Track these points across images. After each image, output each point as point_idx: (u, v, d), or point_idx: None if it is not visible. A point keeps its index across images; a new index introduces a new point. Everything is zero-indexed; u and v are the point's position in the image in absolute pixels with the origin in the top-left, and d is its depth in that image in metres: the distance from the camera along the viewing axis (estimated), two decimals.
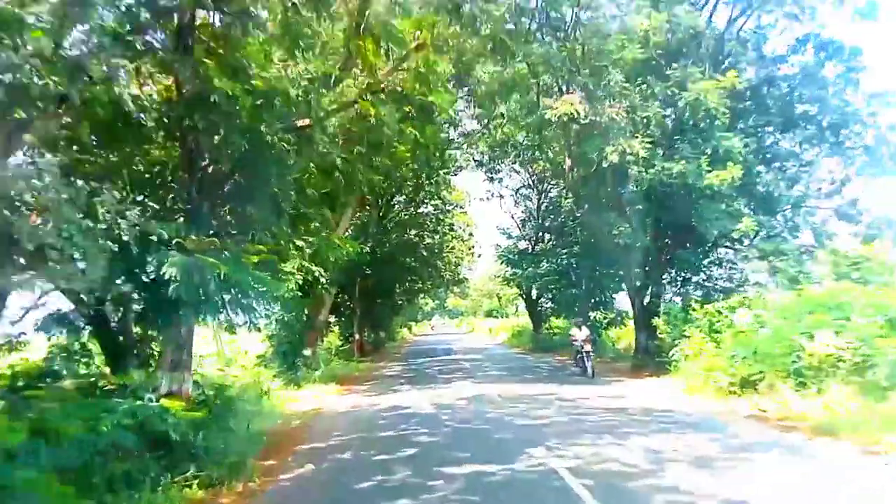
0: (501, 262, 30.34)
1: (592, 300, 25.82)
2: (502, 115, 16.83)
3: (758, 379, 10.41)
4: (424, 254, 32.54)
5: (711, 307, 13.37)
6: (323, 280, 15.66)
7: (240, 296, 7.06)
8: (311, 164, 9.07)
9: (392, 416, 10.23)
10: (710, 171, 13.26)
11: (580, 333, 16.74)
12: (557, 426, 8.41)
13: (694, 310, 13.45)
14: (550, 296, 31.19)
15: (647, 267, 17.43)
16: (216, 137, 7.54)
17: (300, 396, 13.84)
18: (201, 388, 8.31)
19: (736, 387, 10.76)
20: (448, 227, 37.70)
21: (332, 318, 29.22)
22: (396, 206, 32.93)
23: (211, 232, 7.82)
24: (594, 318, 26.10)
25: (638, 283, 17.62)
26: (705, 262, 17.24)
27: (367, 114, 8.34)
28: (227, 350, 16.58)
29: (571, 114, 12.68)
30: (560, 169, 26.29)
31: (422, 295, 48.37)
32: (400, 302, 39.10)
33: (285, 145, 8.07)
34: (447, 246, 38.81)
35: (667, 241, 16.47)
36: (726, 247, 16.46)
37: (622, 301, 27.00)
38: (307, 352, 16.74)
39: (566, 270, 25.21)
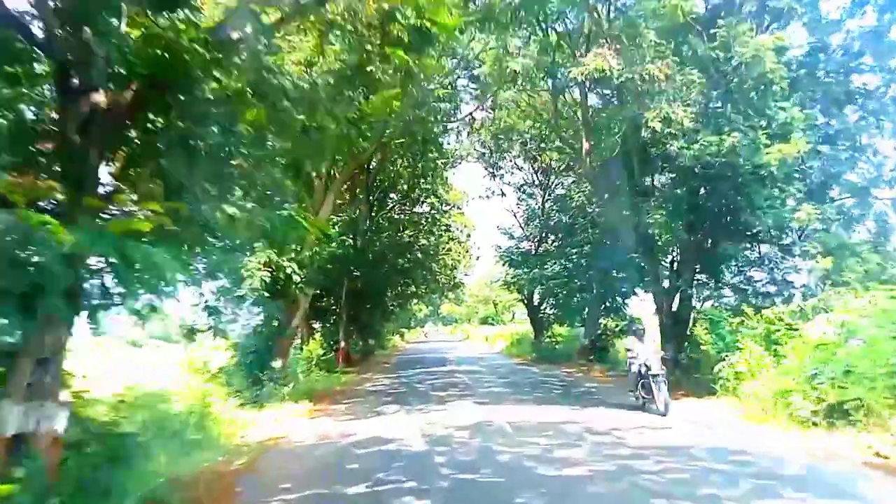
0: (503, 264, 27.79)
1: (603, 305, 23.33)
2: (515, 74, 14.23)
3: (853, 407, 7.92)
4: (419, 255, 29.95)
5: (771, 313, 10.88)
6: (297, 279, 13.08)
7: (122, 279, 4.48)
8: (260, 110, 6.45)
9: (369, 454, 7.62)
10: (768, 146, 10.82)
11: (642, 347, 10.93)
12: (603, 481, 5.80)
13: (749, 316, 10.94)
14: (554, 301, 28.73)
15: (676, 266, 14.96)
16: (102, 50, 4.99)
17: (261, 419, 11.22)
18: (86, 424, 5.69)
19: (820, 416, 8.26)
20: (444, 227, 35.24)
21: (317, 325, 26.61)
22: (390, 203, 30.45)
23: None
24: (604, 325, 23.65)
25: (666, 285, 15.13)
26: (747, 259, 14.73)
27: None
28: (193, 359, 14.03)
29: (603, 71, 10.21)
30: (571, 158, 24.02)
31: (415, 300, 45.71)
32: (392, 307, 36.44)
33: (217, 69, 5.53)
34: (443, 248, 36.27)
35: (702, 234, 13.96)
36: (772, 242, 13.96)
37: (631, 307, 24.66)
38: (277, 363, 14.08)
39: (575, 272, 22.70)
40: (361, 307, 29.07)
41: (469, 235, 38.16)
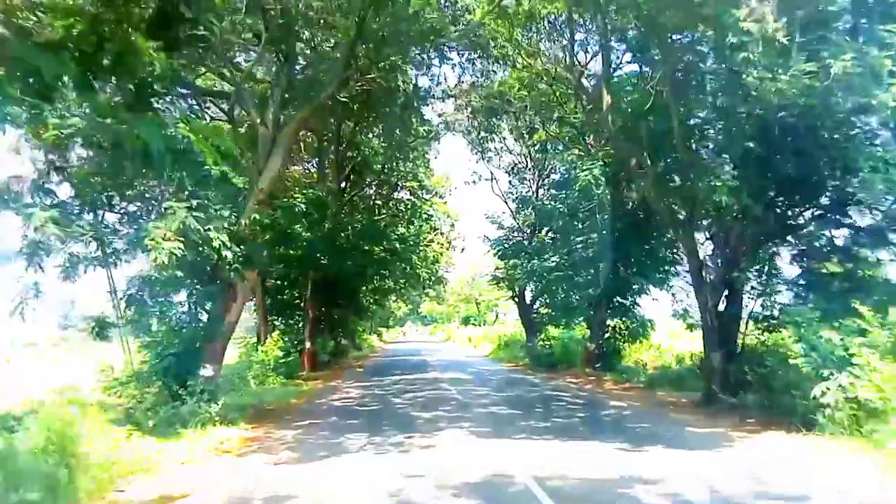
0: (494, 255, 24.44)
1: (611, 305, 20.11)
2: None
3: None
4: (397, 245, 26.39)
5: None
6: (230, 255, 9.50)
7: None
8: None
9: None
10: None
11: None
12: None
13: (869, 320, 7.71)
14: (549, 299, 25.55)
15: (727, 249, 11.78)
16: None
17: (167, 456, 7.68)
18: None
19: None
20: (425, 217, 31.81)
21: (280, 323, 22.95)
22: (362, 185, 26.88)
23: None
24: (613, 326, 20.50)
25: (711, 278, 11.96)
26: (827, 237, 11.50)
27: None
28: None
29: None
30: (577, 130, 20.85)
31: (393, 297, 42.13)
32: (367, 304, 32.87)
33: None
34: (424, 239, 32.85)
35: (773, 205, 10.70)
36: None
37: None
38: (206, 371, 10.49)
39: (579, 264, 19.44)
40: (332, 303, 25.48)
41: (452, 226, 34.94)
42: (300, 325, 22.15)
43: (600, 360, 19.59)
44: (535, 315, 27.19)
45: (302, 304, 22.13)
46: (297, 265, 20.32)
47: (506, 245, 23.91)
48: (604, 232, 18.20)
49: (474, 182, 30.06)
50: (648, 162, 12.35)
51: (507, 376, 19.10)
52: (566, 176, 22.22)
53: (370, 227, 23.37)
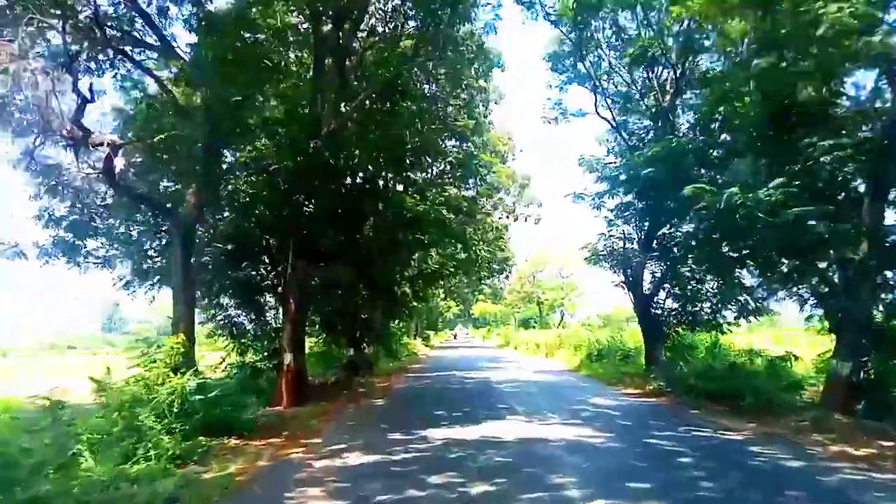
0: (618, 191, 14.71)
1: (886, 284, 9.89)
2: None
3: None
4: (444, 213, 16.75)
5: None
6: None
7: None
8: None
9: None
10: None
11: None
12: None
13: None
14: (689, 288, 15.83)
15: None
16: None
17: None
18: None
19: None
20: (483, 172, 22.19)
21: (247, 320, 14.01)
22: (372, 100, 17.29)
23: None
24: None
25: None
26: None
27: None
28: None
29: None
30: None
31: (440, 291, 32.51)
32: (404, 296, 23.00)
33: None
34: (480, 207, 23.23)
35: None
36: None
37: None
38: None
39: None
40: (342, 292, 16.39)
41: (524, 187, 25.10)
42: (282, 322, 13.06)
43: (860, 398, 9.46)
44: (657, 313, 17.28)
45: (277, 283, 13.07)
46: (257, 217, 11.26)
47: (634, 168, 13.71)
48: None
49: (555, 120, 20.31)
50: None
51: (675, 431, 9.06)
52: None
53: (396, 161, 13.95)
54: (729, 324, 15.88)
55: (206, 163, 10.13)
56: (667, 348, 16.40)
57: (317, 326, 20.63)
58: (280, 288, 13.02)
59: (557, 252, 55.59)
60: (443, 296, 46.79)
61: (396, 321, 29.89)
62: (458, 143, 19.81)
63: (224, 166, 11.19)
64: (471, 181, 20.02)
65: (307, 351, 20.11)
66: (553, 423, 9.73)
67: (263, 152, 11.03)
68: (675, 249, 16.11)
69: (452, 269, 20.18)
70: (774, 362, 12.10)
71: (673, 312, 17.02)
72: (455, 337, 79.38)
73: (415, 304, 26.13)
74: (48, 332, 64.70)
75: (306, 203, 11.62)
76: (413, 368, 24.42)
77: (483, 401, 12.81)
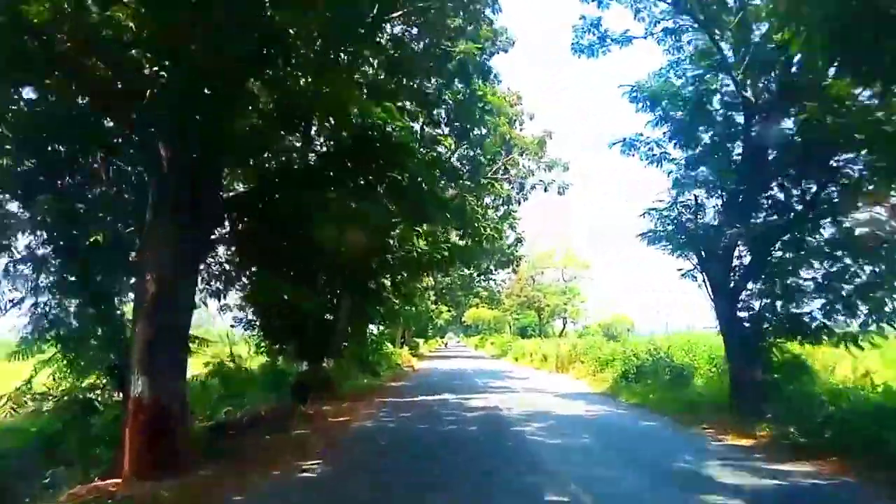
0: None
1: None
2: None
3: None
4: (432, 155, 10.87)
5: None
6: None
7: None
8: None
9: None
10: None
11: None
12: None
13: None
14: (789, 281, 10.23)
15: None
16: None
17: None
18: None
19: None
20: (488, 128, 16.43)
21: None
22: None
23: None
24: None
25: None
26: None
27: None
28: None
29: None
30: None
31: (426, 285, 26.68)
32: (384, 289, 16.83)
33: None
34: (488, 170, 17.46)
35: None
36: None
37: None
38: None
39: None
40: (298, 270, 10.63)
41: (543, 143, 19.32)
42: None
43: None
44: (748, 314, 11.73)
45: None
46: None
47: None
48: None
49: (589, 49, 14.63)
50: None
51: None
52: None
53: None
54: (870, 332, 10.22)
55: None
56: (774, 368, 10.76)
57: (255, 330, 14.88)
58: (134, 253, 7.15)
59: (574, 238, 50.33)
60: (433, 298, 41.03)
61: (379, 325, 24.11)
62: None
63: None
64: (475, 132, 14.33)
65: (246, 360, 14.59)
66: None
67: None
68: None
69: (446, 255, 14.39)
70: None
71: (777, 316, 11.37)
72: (446, 345, 75.45)
73: (396, 303, 20.33)
74: None
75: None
76: (392, 389, 18.52)
77: (502, 467, 7.01)
